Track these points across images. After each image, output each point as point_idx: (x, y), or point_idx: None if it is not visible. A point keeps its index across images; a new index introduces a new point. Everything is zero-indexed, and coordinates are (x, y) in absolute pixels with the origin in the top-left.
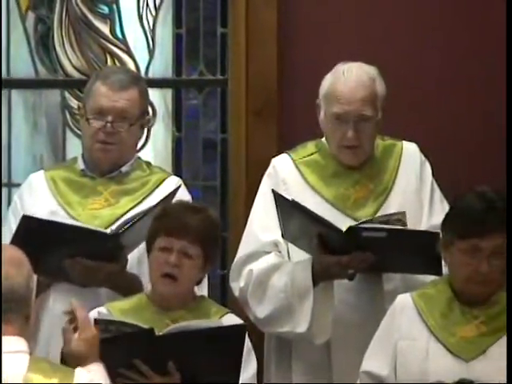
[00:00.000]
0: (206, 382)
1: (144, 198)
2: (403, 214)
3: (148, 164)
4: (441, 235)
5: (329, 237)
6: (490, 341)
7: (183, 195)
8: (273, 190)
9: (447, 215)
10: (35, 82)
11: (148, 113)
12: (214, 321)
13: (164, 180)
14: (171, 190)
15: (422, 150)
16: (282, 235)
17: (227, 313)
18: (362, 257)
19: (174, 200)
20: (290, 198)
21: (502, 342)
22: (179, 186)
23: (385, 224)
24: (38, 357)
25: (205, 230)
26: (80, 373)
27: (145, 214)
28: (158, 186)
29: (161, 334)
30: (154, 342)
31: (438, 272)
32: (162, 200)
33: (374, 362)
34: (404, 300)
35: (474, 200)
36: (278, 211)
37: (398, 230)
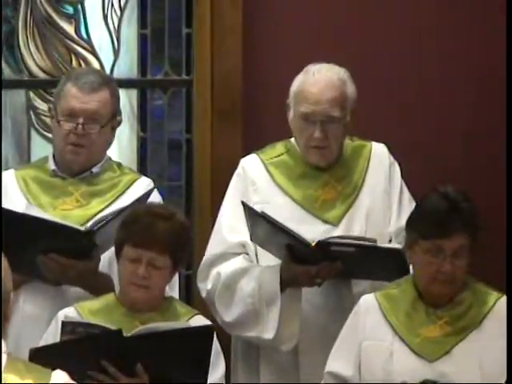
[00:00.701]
0: (174, 383)
1: (115, 200)
2: (375, 241)
3: (119, 165)
4: (405, 234)
5: (297, 248)
6: (454, 341)
7: (155, 198)
8: (242, 202)
9: (411, 215)
10: None
11: (118, 114)
12: (182, 322)
13: (135, 181)
14: (143, 191)
15: (392, 152)
16: (251, 238)
17: (196, 314)
18: (331, 267)
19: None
20: (259, 210)
21: (466, 343)
22: (153, 188)
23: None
24: (15, 357)
25: (174, 239)
26: (58, 373)
27: (119, 212)
28: (128, 188)
29: (129, 335)
30: (122, 343)
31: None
32: (135, 201)
33: (338, 362)
34: (368, 300)
35: (437, 200)
36: (247, 220)
37: (366, 246)
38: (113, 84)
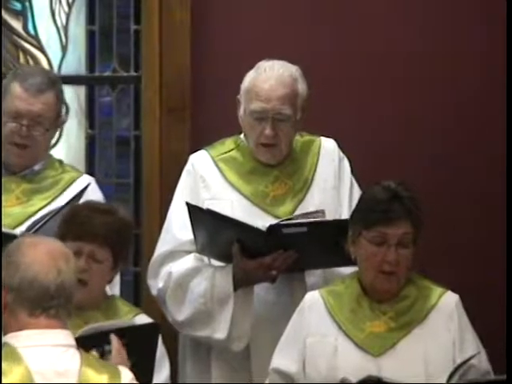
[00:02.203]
0: None
1: (55, 197)
2: (322, 212)
3: (60, 162)
4: (349, 231)
5: (249, 240)
6: (399, 336)
7: (94, 194)
8: (186, 203)
9: (354, 209)
10: None
11: (67, 111)
12: (127, 320)
13: (76, 179)
14: (81, 189)
15: (344, 148)
16: (197, 249)
17: (139, 313)
18: (284, 255)
19: (84, 199)
20: (204, 207)
21: (411, 337)
22: (87, 186)
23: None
24: (85, 354)
25: (113, 233)
26: (125, 371)
27: (54, 213)
28: (69, 185)
29: (76, 336)
30: None
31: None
32: (71, 200)
33: (282, 359)
34: (313, 297)
35: (379, 191)
36: (192, 223)
37: (317, 222)
38: (58, 85)
